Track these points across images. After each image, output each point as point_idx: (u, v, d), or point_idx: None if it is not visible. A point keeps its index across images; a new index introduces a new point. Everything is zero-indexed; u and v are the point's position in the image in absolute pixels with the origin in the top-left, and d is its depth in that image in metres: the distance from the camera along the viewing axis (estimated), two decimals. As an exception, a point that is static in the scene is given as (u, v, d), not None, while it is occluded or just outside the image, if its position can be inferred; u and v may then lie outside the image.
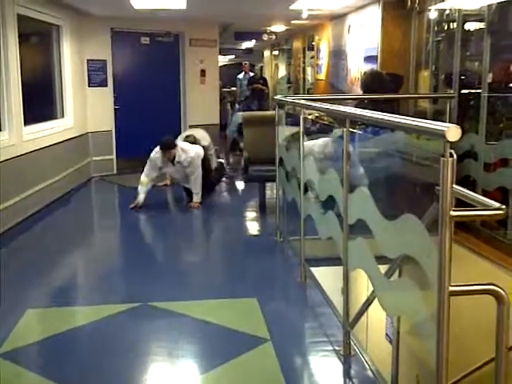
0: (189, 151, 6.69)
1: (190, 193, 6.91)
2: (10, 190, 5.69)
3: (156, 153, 6.64)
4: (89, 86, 8.66)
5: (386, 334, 5.34)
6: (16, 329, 3.51)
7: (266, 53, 18.76)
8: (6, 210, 5.52)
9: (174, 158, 6.61)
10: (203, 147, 7.18)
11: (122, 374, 3.03)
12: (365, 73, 6.92)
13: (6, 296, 4.01)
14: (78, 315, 3.88)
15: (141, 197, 6.54)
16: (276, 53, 17.60)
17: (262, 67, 15.68)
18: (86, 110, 8.58)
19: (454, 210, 1.91)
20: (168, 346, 3.41)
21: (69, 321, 3.71)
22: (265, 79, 14.84)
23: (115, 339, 3.47)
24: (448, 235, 1.90)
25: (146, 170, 6.64)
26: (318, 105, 3.86)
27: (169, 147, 6.59)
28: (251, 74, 14.45)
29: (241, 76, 14.12)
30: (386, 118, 2.39)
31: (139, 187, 6.55)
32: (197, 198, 6.70)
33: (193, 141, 7.37)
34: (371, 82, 5.50)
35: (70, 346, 3.36)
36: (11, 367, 3.09)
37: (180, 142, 6.84)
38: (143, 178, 6.61)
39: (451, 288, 1.93)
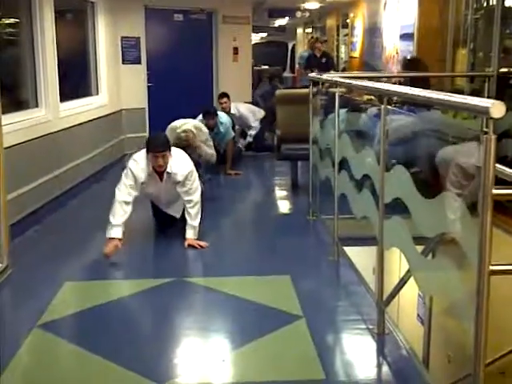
0: (185, 161, 4.59)
1: (165, 220, 4.91)
2: (46, 166, 5.78)
3: (138, 161, 4.45)
4: (123, 63, 8.72)
5: (418, 315, 5.33)
6: (54, 301, 3.59)
7: (299, 30, 18.56)
8: (42, 185, 5.61)
9: (165, 168, 4.45)
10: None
11: (156, 346, 3.08)
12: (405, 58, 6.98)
13: (45, 269, 4.11)
14: (114, 289, 3.95)
15: (115, 231, 4.22)
16: (309, 30, 17.41)
17: (325, 40, 11.29)
18: (119, 87, 8.63)
19: (495, 189, 1.89)
20: (202, 320, 3.46)
21: (105, 294, 3.77)
22: (328, 56, 10.55)
23: (150, 313, 3.54)
24: (489, 214, 1.88)
25: (122, 188, 4.39)
26: (354, 82, 3.82)
27: (164, 147, 4.40)
28: (305, 54, 10.97)
29: (305, 53, 11.16)
30: (427, 94, 2.35)
31: (111, 215, 4.28)
32: (193, 233, 4.50)
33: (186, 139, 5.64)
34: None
35: (105, 319, 3.44)
36: (50, 337, 3.17)
37: (174, 149, 4.58)
38: (120, 201, 4.33)
39: (491, 267, 1.92)
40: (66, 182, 6.25)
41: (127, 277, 4.15)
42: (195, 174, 4.58)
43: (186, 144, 5.58)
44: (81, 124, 6.76)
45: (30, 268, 4.11)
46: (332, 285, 3.99)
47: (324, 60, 9.91)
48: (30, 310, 3.49)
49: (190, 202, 4.49)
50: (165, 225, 4.94)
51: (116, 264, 4.18)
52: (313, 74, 5.13)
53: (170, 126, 5.97)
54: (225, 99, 8.10)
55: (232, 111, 8.10)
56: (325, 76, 4.79)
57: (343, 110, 5.32)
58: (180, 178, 4.45)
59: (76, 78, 7.50)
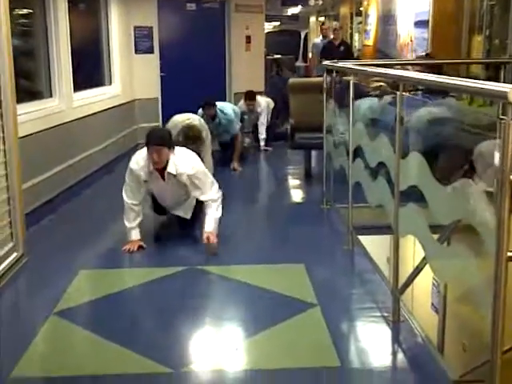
0: (190, 160, 4.26)
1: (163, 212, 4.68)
2: (60, 155, 5.80)
3: (139, 158, 4.23)
4: (135, 53, 8.72)
5: (432, 304, 5.31)
6: (70, 289, 3.61)
7: (312, 19, 18.46)
8: (56, 175, 5.64)
9: (166, 166, 4.18)
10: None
11: (170, 334, 3.09)
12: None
13: (60, 257, 4.14)
14: (128, 277, 3.98)
15: (134, 233, 4.27)
16: (322, 19, 17.30)
17: (335, 29, 9.86)
18: (132, 77, 8.64)
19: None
20: (215, 308, 3.48)
21: (119, 282, 3.80)
22: (347, 45, 10.02)
23: (163, 301, 3.54)
24: (507, 199, 1.85)
25: (128, 190, 4.28)
26: (369, 69, 3.79)
27: (160, 141, 4.11)
28: (318, 42, 10.38)
29: (318, 41, 10.72)
30: (443, 80, 2.32)
31: (126, 220, 4.28)
32: (214, 227, 4.19)
33: (197, 135, 5.55)
34: None
35: (120, 306, 3.46)
36: (66, 325, 3.19)
37: (179, 148, 4.31)
38: (129, 204, 4.25)
39: (509, 253, 1.90)
40: (80, 172, 6.28)
41: (141, 265, 4.16)
42: (205, 172, 4.28)
43: (196, 135, 5.53)
44: (94, 114, 6.77)
45: (45, 256, 4.14)
46: (346, 273, 3.98)
47: (342, 48, 9.27)
48: (46, 297, 3.52)
49: (208, 201, 4.21)
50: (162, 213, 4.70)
51: (130, 253, 4.19)
52: (326, 62, 5.08)
53: (172, 120, 5.93)
54: (252, 102, 7.92)
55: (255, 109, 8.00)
56: (339, 64, 4.74)
57: (373, 99, 5.30)
58: (185, 179, 4.17)
59: (89, 68, 7.51)
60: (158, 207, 4.64)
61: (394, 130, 2.93)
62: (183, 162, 4.19)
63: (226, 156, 7.29)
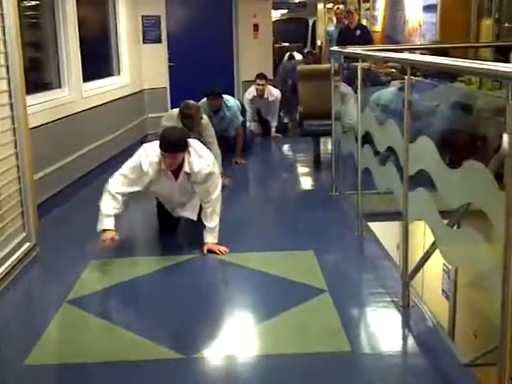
0: (206, 157, 3.97)
1: (171, 221, 4.39)
2: (71, 146, 5.83)
3: (149, 154, 3.89)
4: (143, 43, 8.71)
5: (443, 290, 5.31)
6: (81, 278, 3.65)
7: (320, 6, 18.31)
8: (67, 165, 5.67)
9: (182, 165, 3.95)
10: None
11: (181, 320, 3.12)
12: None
13: (72, 247, 4.18)
14: (139, 265, 3.97)
15: (108, 221, 3.86)
16: (330, 6, 17.17)
17: (348, 11, 8.97)
18: (141, 66, 8.63)
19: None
20: (227, 295, 3.50)
21: (130, 271, 3.80)
22: (364, 28, 9.09)
23: (174, 288, 3.57)
24: (516, 182, 1.85)
25: (120, 179, 3.98)
26: (377, 54, 3.77)
27: (176, 148, 3.80)
28: (332, 28, 9.92)
29: (331, 27, 10.13)
30: (452, 62, 2.31)
31: (103, 206, 3.92)
32: (212, 237, 3.98)
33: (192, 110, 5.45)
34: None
35: (132, 294, 3.51)
36: (79, 313, 3.23)
37: (192, 141, 4.02)
38: (112, 193, 3.93)
39: (518, 236, 1.90)
40: (91, 162, 6.30)
41: (151, 254, 4.17)
42: (216, 169, 4.03)
43: (191, 114, 5.46)
44: (103, 104, 6.79)
45: (57, 246, 4.18)
46: (356, 259, 3.99)
47: (359, 33, 8.41)
48: (59, 286, 3.56)
49: (208, 201, 3.96)
50: (170, 227, 4.39)
51: (139, 242, 4.23)
52: (334, 48, 5.05)
53: (171, 111, 5.92)
54: (262, 81, 7.84)
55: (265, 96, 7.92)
56: (348, 49, 4.71)
57: (391, 89, 5.27)
58: (200, 177, 3.89)
59: (98, 58, 7.51)
60: (164, 226, 4.37)
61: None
62: (199, 159, 3.91)
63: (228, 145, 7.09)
